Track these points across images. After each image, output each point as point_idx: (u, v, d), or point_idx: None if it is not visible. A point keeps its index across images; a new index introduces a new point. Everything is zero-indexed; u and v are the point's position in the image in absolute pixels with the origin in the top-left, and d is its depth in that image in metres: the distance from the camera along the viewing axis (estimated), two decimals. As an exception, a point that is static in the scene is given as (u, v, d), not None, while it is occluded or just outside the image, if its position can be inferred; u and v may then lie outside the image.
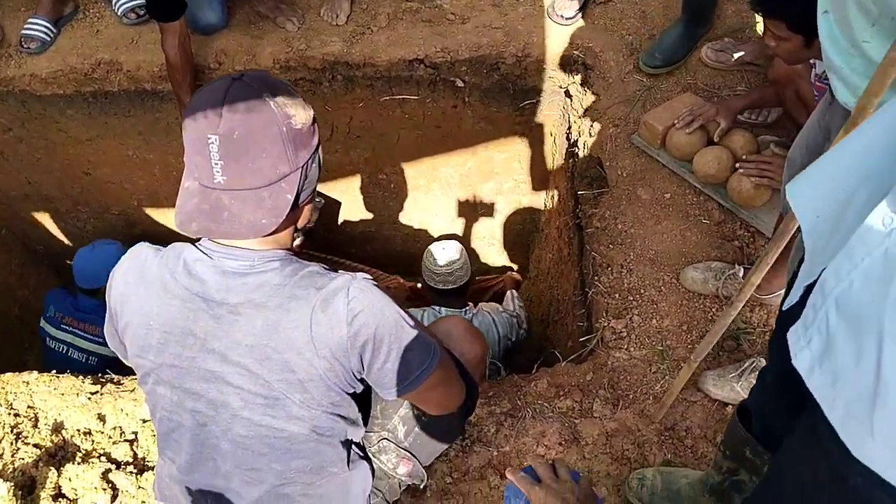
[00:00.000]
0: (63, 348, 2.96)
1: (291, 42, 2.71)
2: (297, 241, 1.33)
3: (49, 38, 2.73)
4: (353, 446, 1.35)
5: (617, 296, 2.14)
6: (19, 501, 1.68)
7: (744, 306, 1.99)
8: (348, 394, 1.21)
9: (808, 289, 1.06)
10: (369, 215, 3.52)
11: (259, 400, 1.14)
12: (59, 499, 1.74)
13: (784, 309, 1.15)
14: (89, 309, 2.99)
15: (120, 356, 1.33)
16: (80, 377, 2.03)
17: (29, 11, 2.79)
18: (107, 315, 1.27)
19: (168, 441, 1.25)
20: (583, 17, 2.72)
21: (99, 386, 2.01)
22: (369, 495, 1.42)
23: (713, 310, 2.09)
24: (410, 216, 3.49)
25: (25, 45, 2.70)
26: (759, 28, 2.63)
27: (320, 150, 1.20)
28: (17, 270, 3.57)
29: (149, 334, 1.15)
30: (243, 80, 1.09)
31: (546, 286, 3.18)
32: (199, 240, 1.18)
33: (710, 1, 2.53)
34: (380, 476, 1.46)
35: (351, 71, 2.71)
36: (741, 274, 2.06)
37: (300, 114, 1.11)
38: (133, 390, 1.98)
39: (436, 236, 3.61)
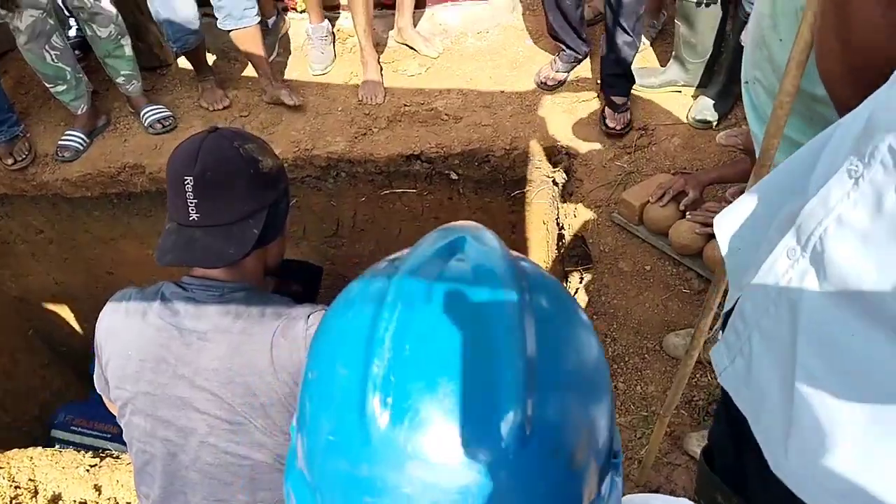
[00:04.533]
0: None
1: (299, 143, 2.95)
2: (271, 286, 1.44)
3: (82, 148, 3.02)
4: None
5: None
6: (6, 563, 1.72)
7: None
8: None
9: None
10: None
11: (224, 426, 1.21)
12: (46, 564, 1.78)
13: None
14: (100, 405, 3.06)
15: (105, 398, 1.41)
16: (82, 452, 2.11)
17: (65, 125, 3.10)
18: (95, 357, 1.38)
19: (143, 476, 1.31)
20: (568, 116, 2.93)
21: (98, 460, 2.08)
22: None
23: (697, 375, 2.10)
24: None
25: (60, 154, 2.99)
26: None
27: (289, 195, 1.34)
28: (41, 372, 3.71)
29: (127, 364, 1.25)
30: (218, 131, 1.25)
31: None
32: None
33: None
34: None
35: (353, 167, 2.92)
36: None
37: (267, 160, 1.26)
38: (129, 463, 2.04)
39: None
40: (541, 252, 3.17)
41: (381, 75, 3.20)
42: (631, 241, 2.44)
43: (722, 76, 2.73)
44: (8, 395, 3.40)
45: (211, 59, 3.40)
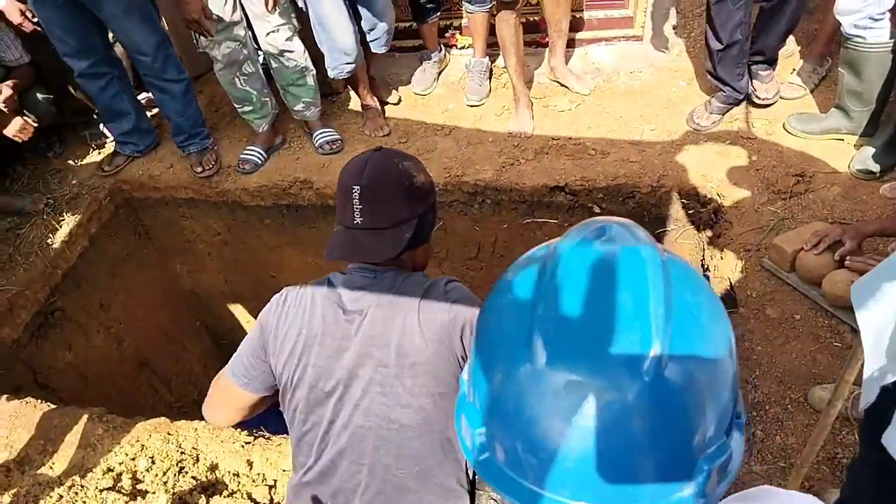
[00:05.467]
0: None
1: (450, 169, 3.13)
2: None
3: (260, 162, 3.37)
4: (461, 474, 1.46)
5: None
6: (174, 517, 1.96)
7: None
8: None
9: (885, 388, 1.08)
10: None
11: (376, 388, 1.36)
12: (205, 524, 2.00)
13: (862, 409, 1.18)
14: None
15: (234, 378, 1.50)
16: (239, 430, 2.34)
17: (247, 141, 3.48)
18: (254, 338, 1.50)
19: (301, 447, 1.47)
20: (720, 157, 2.90)
21: (252, 438, 2.30)
22: None
23: (843, 432, 2.01)
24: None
25: (241, 167, 3.36)
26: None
27: (436, 209, 1.51)
28: (203, 360, 4.12)
29: (297, 340, 1.42)
30: (382, 150, 1.46)
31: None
32: None
33: None
34: None
35: (499, 195, 3.06)
36: (874, 396, 1.98)
37: (420, 176, 1.44)
38: (279, 444, 2.25)
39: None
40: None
41: (532, 110, 3.32)
42: (781, 289, 2.37)
43: (890, 127, 2.61)
44: (174, 378, 3.81)
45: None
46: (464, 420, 0.66)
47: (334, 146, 3.37)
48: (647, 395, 0.55)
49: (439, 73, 3.73)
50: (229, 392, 1.53)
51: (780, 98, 3.07)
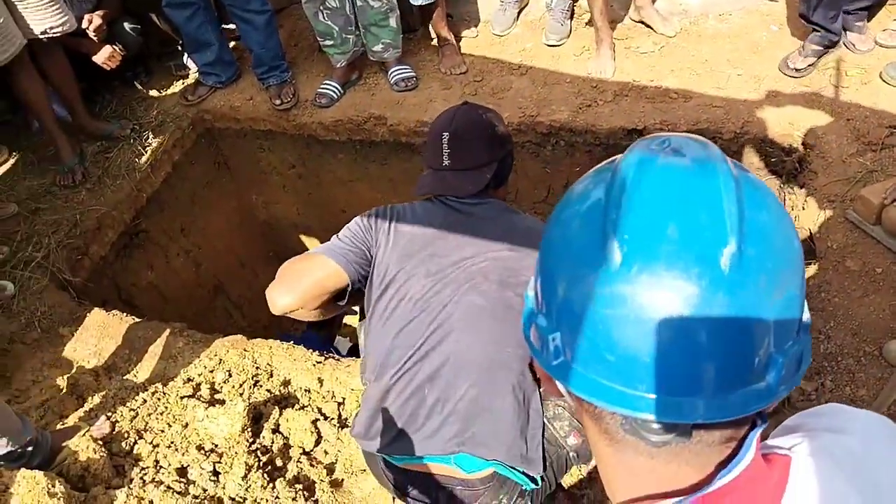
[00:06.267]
0: None
1: (525, 109, 3.10)
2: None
3: (336, 97, 3.41)
4: None
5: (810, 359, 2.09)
6: (249, 423, 2.07)
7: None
8: None
9: None
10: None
11: (495, 275, 1.51)
12: (276, 433, 2.11)
13: None
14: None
15: (354, 266, 1.57)
16: (310, 350, 2.44)
17: (324, 76, 3.51)
18: (359, 232, 1.61)
19: (401, 337, 1.51)
20: (809, 105, 2.77)
21: (322, 359, 2.40)
22: (543, 447, 1.53)
23: (921, 389, 1.95)
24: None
25: (318, 100, 3.41)
26: None
27: (513, 156, 1.72)
28: (274, 290, 4.27)
29: (413, 239, 1.57)
30: (468, 104, 1.70)
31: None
32: None
33: None
34: (550, 441, 1.57)
35: (573, 137, 3.01)
36: (958, 355, 1.91)
37: (500, 126, 1.67)
38: (348, 366, 2.34)
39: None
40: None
41: (614, 51, 3.23)
42: (863, 241, 2.29)
43: None
44: (247, 304, 3.97)
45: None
46: (534, 331, 0.68)
47: (409, 83, 3.37)
48: (724, 290, 0.56)
49: (519, 13, 3.66)
50: (322, 267, 1.56)
51: (879, 46, 2.90)
